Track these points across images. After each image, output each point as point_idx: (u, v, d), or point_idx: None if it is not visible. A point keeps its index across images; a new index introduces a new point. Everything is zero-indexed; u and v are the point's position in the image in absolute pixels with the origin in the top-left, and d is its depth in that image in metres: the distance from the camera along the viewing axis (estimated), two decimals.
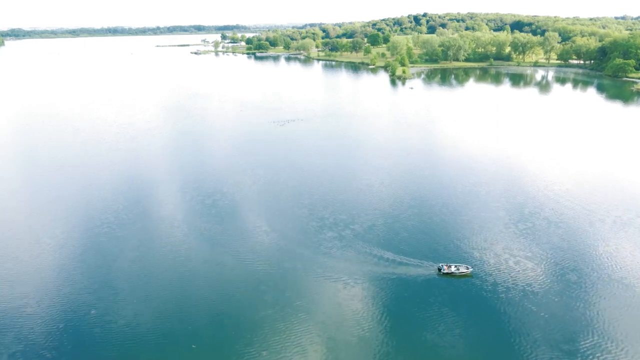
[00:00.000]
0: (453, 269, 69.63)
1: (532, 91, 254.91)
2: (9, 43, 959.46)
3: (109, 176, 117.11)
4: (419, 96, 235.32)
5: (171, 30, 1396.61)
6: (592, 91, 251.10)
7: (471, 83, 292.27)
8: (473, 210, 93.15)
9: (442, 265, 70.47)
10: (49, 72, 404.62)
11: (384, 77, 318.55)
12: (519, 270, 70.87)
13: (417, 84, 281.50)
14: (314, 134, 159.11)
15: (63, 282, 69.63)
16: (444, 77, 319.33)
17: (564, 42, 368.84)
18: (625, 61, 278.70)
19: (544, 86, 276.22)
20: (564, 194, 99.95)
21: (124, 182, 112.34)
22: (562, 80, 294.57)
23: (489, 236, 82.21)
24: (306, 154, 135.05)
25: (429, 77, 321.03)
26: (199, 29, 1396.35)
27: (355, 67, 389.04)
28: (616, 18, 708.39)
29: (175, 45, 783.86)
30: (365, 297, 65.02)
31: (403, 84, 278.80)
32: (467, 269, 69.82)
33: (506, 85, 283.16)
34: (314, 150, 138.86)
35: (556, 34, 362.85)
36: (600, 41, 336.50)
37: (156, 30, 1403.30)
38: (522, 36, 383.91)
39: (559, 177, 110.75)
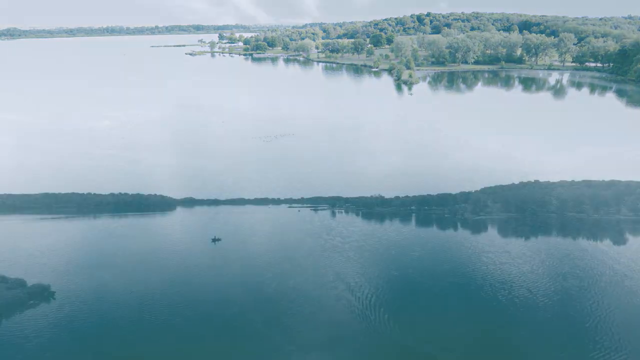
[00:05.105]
0: None
1: (549, 97, 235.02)
2: (2, 42, 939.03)
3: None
4: (428, 104, 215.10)
5: (169, 30, 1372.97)
6: (613, 97, 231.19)
7: (485, 88, 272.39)
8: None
9: None
10: (24, 74, 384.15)
11: (388, 81, 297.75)
12: None
13: (422, 88, 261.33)
14: (309, 157, 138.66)
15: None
16: (452, 80, 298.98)
17: (579, 44, 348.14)
18: None
19: (559, 91, 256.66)
20: None
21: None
22: (578, 85, 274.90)
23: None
24: (303, 182, 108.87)
25: (436, 80, 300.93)
26: (197, 28, 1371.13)
27: (357, 70, 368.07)
28: (624, 18, 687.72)
29: (170, 46, 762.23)
30: None
31: (409, 89, 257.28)
32: None
33: (522, 90, 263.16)
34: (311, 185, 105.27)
35: (572, 35, 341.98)
36: (617, 42, 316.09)
37: (154, 30, 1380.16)
38: (534, 37, 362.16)
39: None
